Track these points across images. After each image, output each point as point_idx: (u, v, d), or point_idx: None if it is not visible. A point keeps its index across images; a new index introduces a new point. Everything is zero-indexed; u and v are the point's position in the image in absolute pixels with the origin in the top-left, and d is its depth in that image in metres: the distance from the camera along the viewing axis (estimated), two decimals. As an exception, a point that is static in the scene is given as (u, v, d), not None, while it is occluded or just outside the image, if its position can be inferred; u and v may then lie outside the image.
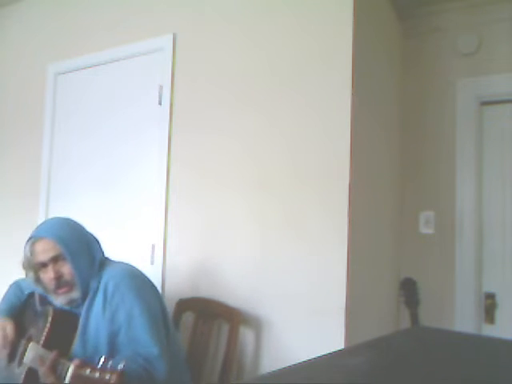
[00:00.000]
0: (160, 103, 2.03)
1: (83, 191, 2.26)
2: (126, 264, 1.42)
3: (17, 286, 1.55)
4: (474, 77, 2.24)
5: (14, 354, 1.35)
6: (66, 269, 1.29)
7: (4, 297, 1.53)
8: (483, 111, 2.24)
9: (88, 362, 1.08)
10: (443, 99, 2.30)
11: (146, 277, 1.41)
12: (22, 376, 1.25)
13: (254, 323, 1.68)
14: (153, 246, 1.98)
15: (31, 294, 1.48)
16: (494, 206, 2.19)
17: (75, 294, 1.31)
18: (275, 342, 1.64)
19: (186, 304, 1.78)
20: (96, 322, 1.28)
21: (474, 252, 2.16)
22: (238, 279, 1.74)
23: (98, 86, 2.28)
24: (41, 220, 2.39)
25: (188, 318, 1.78)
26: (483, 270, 2.18)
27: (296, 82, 1.70)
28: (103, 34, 2.29)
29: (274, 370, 0.54)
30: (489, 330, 2.12)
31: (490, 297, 2.15)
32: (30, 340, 1.30)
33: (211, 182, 1.86)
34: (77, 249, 1.31)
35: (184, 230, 1.91)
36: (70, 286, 1.30)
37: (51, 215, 2.36)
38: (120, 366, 1.00)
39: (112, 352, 1.24)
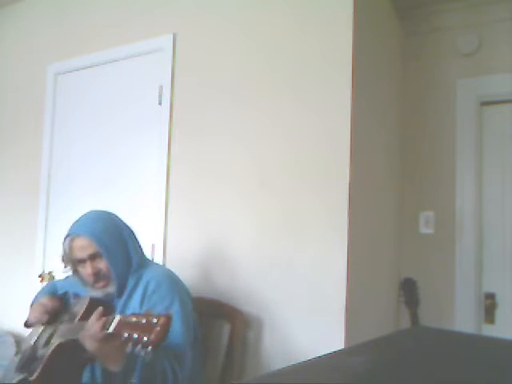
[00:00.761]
0: (160, 103, 2.03)
1: (83, 190, 2.26)
2: (166, 267, 1.47)
3: (53, 284, 1.62)
4: (474, 77, 2.24)
5: (38, 342, 1.36)
6: (103, 264, 1.33)
7: (40, 291, 1.60)
8: (483, 111, 2.25)
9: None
10: (443, 99, 2.30)
11: (183, 282, 1.44)
12: (49, 352, 1.24)
13: (255, 323, 1.68)
14: (153, 246, 1.98)
15: (65, 293, 1.52)
16: (494, 206, 2.19)
17: (111, 289, 1.35)
18: (275, 342, 1.64)
19: (186, 304, 1.78)
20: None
21: (473, 252, 2.16)
22: (238, 279, 1.74)
23: (98, 86, 2.28)
24: (40, 221, 2.40)
25: (188, 317, 1.78)
26: (483, 270, 2.18)
27: (296, 83, 1.70)
28: (103, 34, 2.29)
29: (274, 369, 0.53)
30: (489, 330, 2.12)
31: (490, 297, 2.15)
32: (61, 324, 1.33)
33: (211, 182, 1.86)
34: (111, 245, 1.33)
35: (184, 230, 1.91)
36: (107, 280, 1.34)
37: (51, 215, 2.36)
38: (168, 311, 1.01)
39: None
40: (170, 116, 1.99)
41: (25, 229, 2.48)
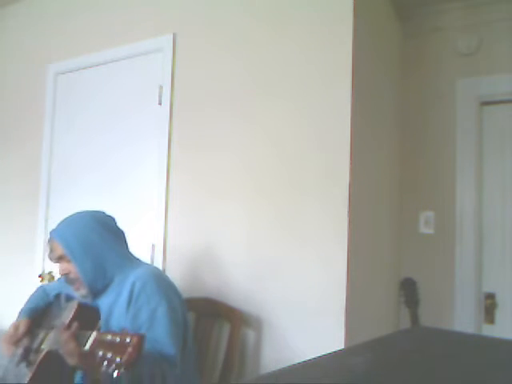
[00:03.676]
0: (160, 103, 2.03)
1: (83, 191, 2.26)
2: (153, 266, 1.46)
3: (43, 290, 1.63)
4: (474, 77, 2.24)
5: (31, 345, 1.39)
6: (72, 268, 1.35)
7: (29, 298, 1.60)
8: (483, 111, 2.25)
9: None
10: (443, 99, 2.30)
11: (171, 281, 1.44)
12: (39, 359, 1.29)
13: (255, 323, 1.68)
14: (153, 246, 1.98)
15: (58, 295, 1.54)
16: (493, 206, 2.19)
17: (84, 292, 1.36)
18: (275, 342, 1.64)
19: (187, 304, 1.78)
20: (118, 319, 1.31)
21: (473, 252, 2.16)
22: (238, 279, 1.74)
23: (98, 86, 2.28)
24: (40, 222, 2.40)
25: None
26: (483, 270, 2.18)
27: (296, 82, 1.70)
28: (103, 34, 2.29)
29: (274, 369, 0.54)
30: (489, 330, 2.12)
31: (490, 297, 2.15)
32: (52, 329, 1.35)
33: (211, 182, 1.86)
34: (79, 251, 1.34)
35: (184, 231, 1.91)
36: (78, 283, 1.36)
37: (51, 217, 2.36)
38: (143, 334, 1.03)
39: None
40: (170, 116, 1.99)
41: (25, 230, 2.48)
